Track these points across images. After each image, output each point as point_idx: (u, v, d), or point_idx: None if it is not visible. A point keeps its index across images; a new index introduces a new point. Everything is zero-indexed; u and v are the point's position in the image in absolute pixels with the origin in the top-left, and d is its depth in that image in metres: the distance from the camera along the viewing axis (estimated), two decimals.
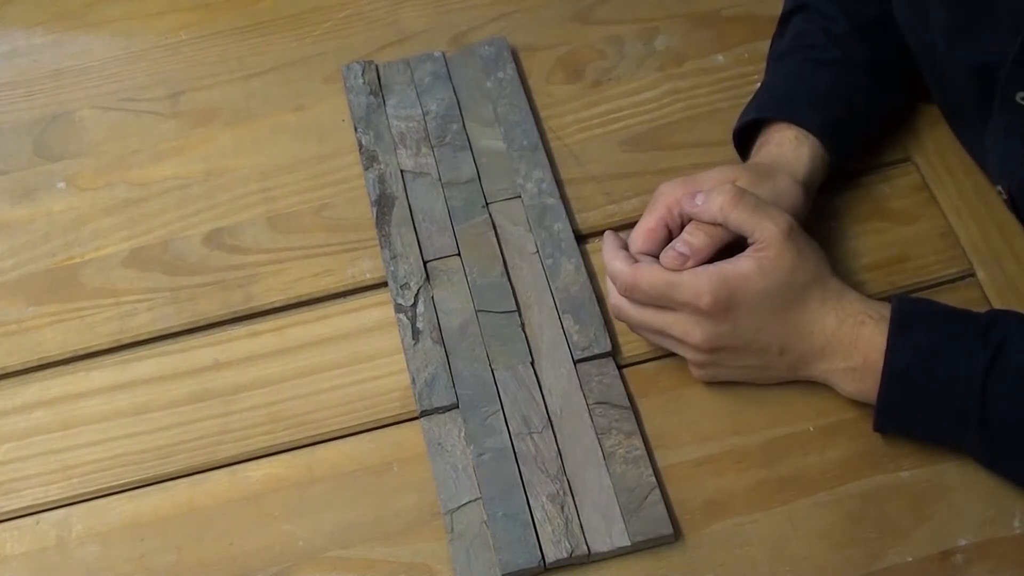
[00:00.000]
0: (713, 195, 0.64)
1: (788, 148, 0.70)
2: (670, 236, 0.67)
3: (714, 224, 0.65)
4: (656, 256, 0.66)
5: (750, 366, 0.65)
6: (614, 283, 0.66)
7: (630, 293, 0.65)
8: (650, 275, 0.64)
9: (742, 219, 0.64)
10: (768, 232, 0.63)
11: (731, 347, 0.64)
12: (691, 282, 0.62)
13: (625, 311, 0.66)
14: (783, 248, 0.63)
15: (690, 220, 0.66)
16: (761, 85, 0.76)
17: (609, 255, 0.66)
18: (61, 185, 0.80)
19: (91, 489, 0.67)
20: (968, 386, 0.59)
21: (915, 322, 0.62)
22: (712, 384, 0.68)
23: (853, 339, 0.62)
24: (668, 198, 0.67)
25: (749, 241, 0.64)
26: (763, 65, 0.81)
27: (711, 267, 0.63)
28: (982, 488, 0.64)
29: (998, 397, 0.59)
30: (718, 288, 0.62)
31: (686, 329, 0.64)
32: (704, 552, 0.63)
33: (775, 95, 0.74)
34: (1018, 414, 0.59)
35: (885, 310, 0.63)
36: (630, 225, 0.75)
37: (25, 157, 0.82)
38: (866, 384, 0.63)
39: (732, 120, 0.76)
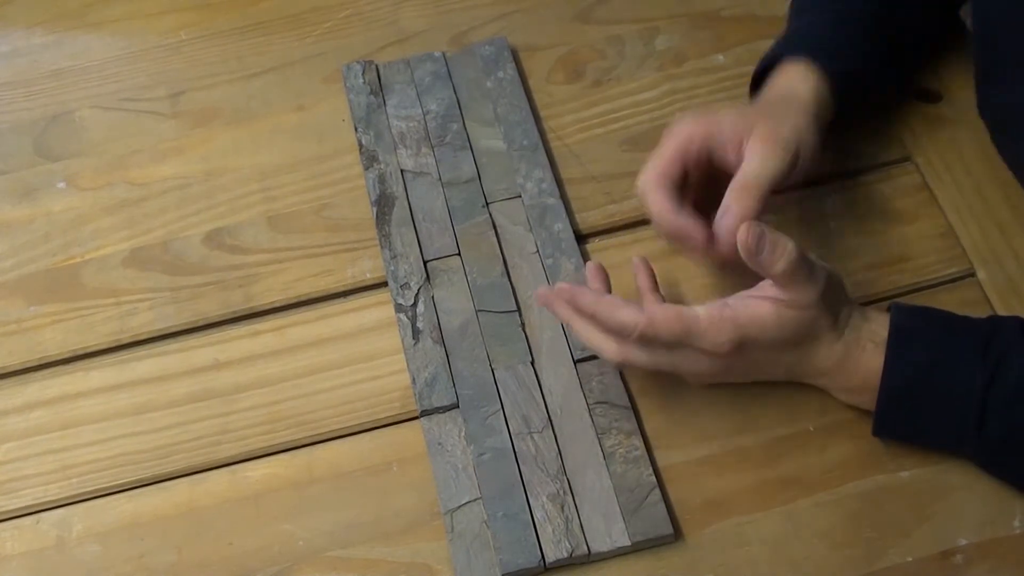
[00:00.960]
0: (759, 240, 0.59)
1: (797, 79, 0.70)
2: (685, 175, 0.67)
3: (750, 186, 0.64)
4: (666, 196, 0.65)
5: (753, 380, 0.66)
6: (620, 333, 0.61)
7: (648, 342, 0.61)
8: (666, 321, 0.60)
9: (781, 271, 0.59)
10: (800, 290, 0.60)
11: (737, 373, 0.64)
12: (710, 331, 0.60)
13: (634, 358, 0.62)
14: (809, 312, 0.61)
15: (707, 156, 0.66)
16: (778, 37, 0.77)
17: (608, 308, 0.61)
18: (61, 185, 0.80)
19: (91, 489, 0.67)
20: (967, 401, 0.59)
21: (913, 337, 0.61)
22: (713, 384, 0.68)
23: (855, 364, 0.62)
24: (685, 132, 0.66)
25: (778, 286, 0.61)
26: None
27: (728, 313, 0.60)
28: (982, 488, 0.64)
29: (997, 411, 0.59)
30: (738, 337, 0.60)
31: (697, 366, 0.62)
32: (704, 552, 0.63)
33: (790, 40, 0.74)
34: (1018, 427, 0.59)
35: (885, 329, 0.62)
36: (630, 225, 0.75)
37: (25, 157, 0.82)
38: (864, 398, 0.63)
39: None
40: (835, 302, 0.62)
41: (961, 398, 0.60)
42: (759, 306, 0.61)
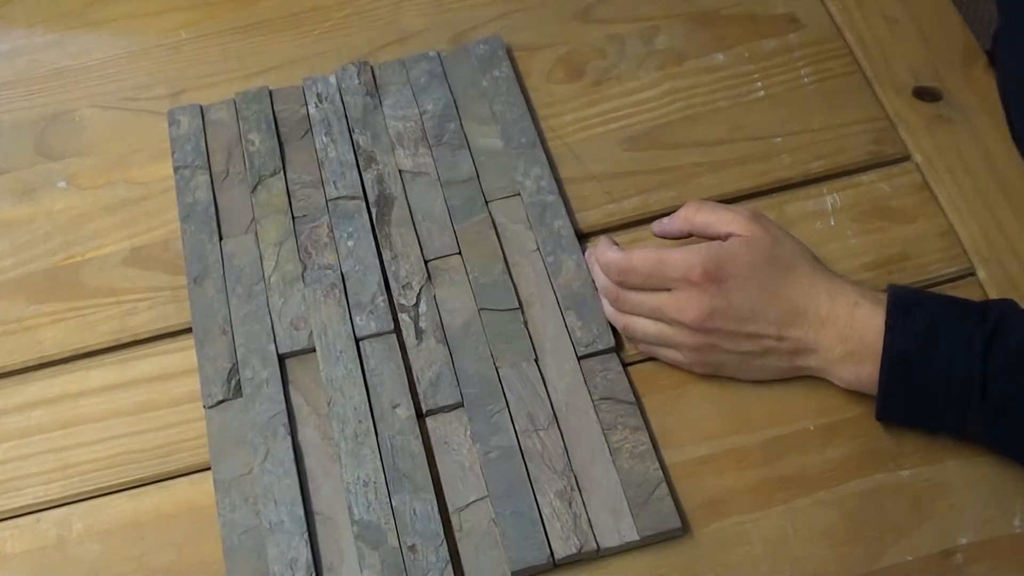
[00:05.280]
0: (674, 215, 0.68)
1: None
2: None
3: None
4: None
5: (749, 352, 0.65)
6: (607, 272, 0.68)
7: (625, 276, 0.66)
8: (642, 254, 0.66)
9: (708, 219, 0.66)
10: (738, 219, 0.65)
11: (727, 327, 0.64)
12: (682, 256, 0.64)
13: (621, 299, 0.67)
14: (759, 227, 0.65)
15: None
16: None
17: (601, 249, 0.68)
18: (62, 184, 0.80)
19: (91, 488, 0.67)
20: (968, 364, 0.60)
21: (912, 306, 0.62)
22: (713, 383, 0.68)
23: (848, 320, 0.63)
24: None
25: (724, 237, 0.66)
26: (763, 64, 0.81)
27: (701, 244, 0.65)
28: (982, 487, 0.64)
29: (998, 373, 0.59)
30: (707, 260, 0.64)
31: (681, 306, 0.64)
32: (704, 551, 0.63)
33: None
34: (1018, 389, 0.60)
35: (878, 293, 0.63)
36: (630, 225, 0.75)
37: (26, 156, 0.82)
38: (864, 369, 0.63)
39: (732, 119, 0.76)
40: (788, 235, 0.66)
41: (963, 361, 0.60)
42: (724, 242, 0.65)
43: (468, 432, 0.66)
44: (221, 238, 0.75)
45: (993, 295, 0.70)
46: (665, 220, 0.69)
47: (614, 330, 0.70)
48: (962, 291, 0.71)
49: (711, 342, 0.65)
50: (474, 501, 0.64)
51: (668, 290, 0.65)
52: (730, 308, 0.64)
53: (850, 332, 0.63)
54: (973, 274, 0.72)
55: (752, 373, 0.67)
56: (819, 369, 0.66)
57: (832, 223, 0.74)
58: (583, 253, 0.73)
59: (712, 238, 0.66)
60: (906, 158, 0.77)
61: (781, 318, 0.64)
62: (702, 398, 0.68)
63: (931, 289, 0.70)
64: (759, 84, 0.81)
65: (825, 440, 0.66)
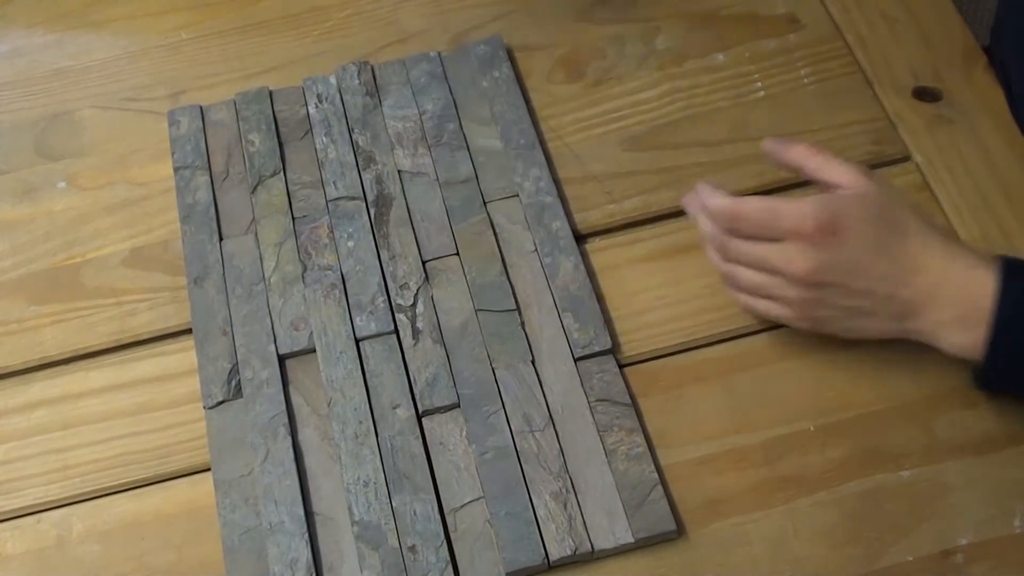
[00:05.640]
0: (791, 144, 0.66)
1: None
2: None
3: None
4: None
5: (856, 308, 0.63)
6: (715, 219, 0.65)
7: (735, 223, 0.64)
8: (755, 202, 0.64)
9: (821, 164, 0.65)
10: (853, 172, 0.64)
11: (837, 282, 0.62)
12: (794, 206, 0.62)
13: (726, 247, 0.65)
14: (874, 183, 0.63)
15: None
16: None
17: (706, 194, 0.66)
18: (62, 184, 0.80)
19: (92, 488, 0.67)
20: None
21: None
22: (712, 382, 0.68)
23: (962, 283, 0.61)
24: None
25: (832, 187, 0.64)
26: (763, 64, 0.81)
27: (813, 196, 0.63)
28: (982, 488, 0.64)
29: None
30: (820, 210, 0.61)
31: (790, 256, 0.62)
32: (704, 551, 0.63)
33: None
34: None
35: (995, 258, 0.61)
36: (630, 225, 0.75)
37: (26, 156, 0.82)
38: (973, 334, 0.61)
39: (732, 119, 0.76)
40: (902, 196, 0.64)
41: None
42: (838, 193, 0.64)
43: (464, 433, 0.66)
44: (221, 239, 0.75)
45: None
46: (779, 142, 0.67)
47: (611, 332, 0.70)
48: None
49: (818, 296, 0.63)
50: (469, 502, 0.64)
51: (776, 241, 0.63)
52: (841, 263, 0.62)
53: (962, 296, 0.61)
54: None
55: (856, 332, 0.65)
56: (926, 332, 0.63)
57: None
58: (581, 256, 0.72)
59: (820, 186, 0.65)
60: (906, 158, 0.77)
61: (893, 275, 0.62)
62: (702, 398, 0.68)
63: None
64: (759, 84, 0.81)
65: (825, 440, 0.66)
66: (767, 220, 0.63)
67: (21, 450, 0.69)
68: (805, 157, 0.66)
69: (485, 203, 0.75)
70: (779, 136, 0.68)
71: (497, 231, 0.74)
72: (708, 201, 0.66)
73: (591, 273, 0.72)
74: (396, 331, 0.70)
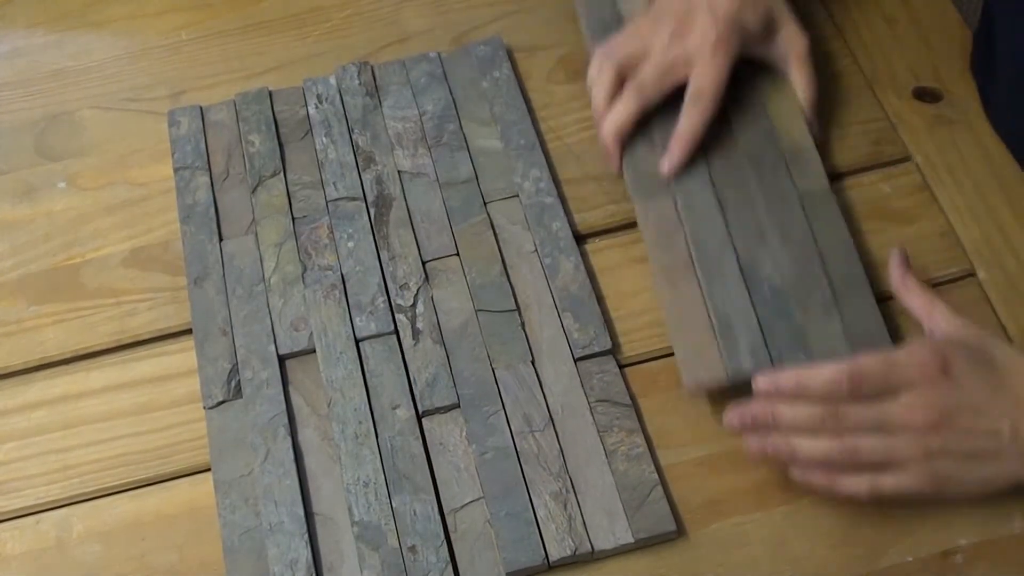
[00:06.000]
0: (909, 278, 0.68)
1: None
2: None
3: None
4: None
5: (980, 451, 0.60)
6: (827, 390, 0.60)
7: (857, 385, 0.60)
8: (867, 358, 0.60)
9: (926, 303, 0.66)
10: (951, 316, 0.65)
11: (961, 424, 0.59)
12: (911, 352, 0.61)
13: (841, 417, 0.60)
14: (964, 324, 0.65)
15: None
16: None
17: (794, 375, 0.61)
18: (62, 185, 0.80)
19: (92, 489, 0.67)
20: None
21: None
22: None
23: None
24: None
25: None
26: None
27: (920, 340, 0.64)
28: None
29: None
30: (936, 353, 0.60)
31: (913, 405, 0.59)
32: (704, 551, 0.63)
33: None
34: None
35: None
36: (630, 225, 0.75)
37: (26, 157, 0.82)
38: None
39: None
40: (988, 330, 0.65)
41: None
42: (939, 338, 0.64)
43: (464, 433, 0.66)
44: (221, 239, 0.75)
45: (993, 296, 0.70)
46: (903, 270, 0.68)
47: (611, 332, 0.70)
48: (962, 292, 0.71)
49: (942, 446, 0.60)
50: (469, 502, 0.64)
51: (891, 396, 0.60)
52: (963, 402, 0.60)
53: None
54: (973, 275, 0.72)
55: (981, 483, 0.61)
56: None
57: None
58: (580, 256, 0.72)
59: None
60: (906, 159, 0.77)
61: (1014, 411, 0.60)
62: (702, 399, 0.68)
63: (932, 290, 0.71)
64: None
65: None
66: (886, 371, 0.60)
67: (21, 450, 0.69)
68: (915, 294, 0.67)
69: (485, 203, 0.76)
70: (905, 260, 0.69)
71: (497, 231, 0.74)
72: (807, 377, 0.61)
73: (591, 273, 0.73)
74: (396, 331, 0.70)
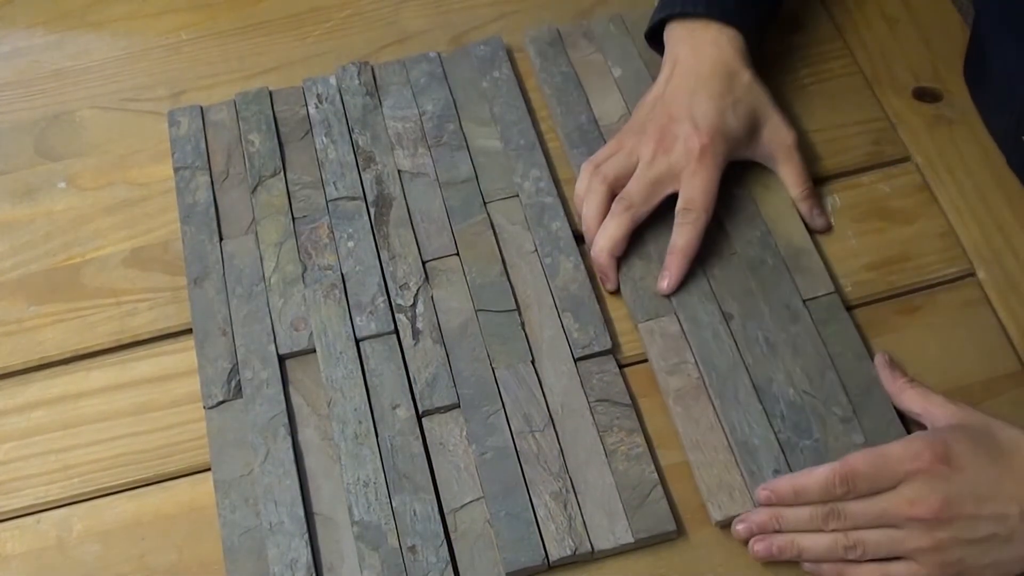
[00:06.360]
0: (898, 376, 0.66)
1: (720, 46, 0.74)
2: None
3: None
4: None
5: (992, 537, 0.59)
6: (822, 491, 0.61)
7: (851, 483, 0.60)
8: (859, 455, 0.60)
9: (917, 407, 0.65)
10: (945, 404, 0.64)
11: (967, 512, 0.58)
12: (903, 445, 0.60)
13: (839, 514, 0.60)
14: (963, 409, 0.63)
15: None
16: None
17: (791, 481, 0.62)
18: (62, 185, 0.80)
19: (92, 488, 0.67)
20: None
21: None
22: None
23: None
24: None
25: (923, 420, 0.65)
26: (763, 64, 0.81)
27: (913, 434, 0.62)
28: None
29: None
30: (932, 441, 0.60)
31: (914, 497, 0.59)
32: (704, 552, 0.63)
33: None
34: None
35: None
36: None
37: (26, 157, 0.82)
38: None
39: None
40: (989, 415, 0.62)
41: None
42: (937, 427, 0.63)
43: (464, 433, 0.66)
44: (221, 239, 0.75)
45: (993, 296, 0.70)
46: (891, 370, 0.67)
47: (611, 332, 0.70)
48: (962, 292, 0.71)
49: (950, 535, 0.59)
50: (469, 502, 0.64)
51: (891, 490, 0.60)
52: (965, 490, 0.58)
53: None
54: (973, 275, 0.72)
55: (996, 567, 0.60)
56: None
57: (832, 224, 0.74)
58: (580, 256, 0.72)
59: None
60: (906, 159, 0.77)
61: (1022, 492, 0.59)
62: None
63: (932, 290, 0.71)
64: None
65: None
66: (881, 465, 0.60)
67: (21, 450, 0.69)
68: (907, 393, 0.65)
69: (485, 203, 0.76)
70: (891, 362, 0.67)
71: (497, 231, 0.74)
72: (800, 481, 0.62)
73: (591, 273, 0.72)
74: (396, 331, 0.70)
